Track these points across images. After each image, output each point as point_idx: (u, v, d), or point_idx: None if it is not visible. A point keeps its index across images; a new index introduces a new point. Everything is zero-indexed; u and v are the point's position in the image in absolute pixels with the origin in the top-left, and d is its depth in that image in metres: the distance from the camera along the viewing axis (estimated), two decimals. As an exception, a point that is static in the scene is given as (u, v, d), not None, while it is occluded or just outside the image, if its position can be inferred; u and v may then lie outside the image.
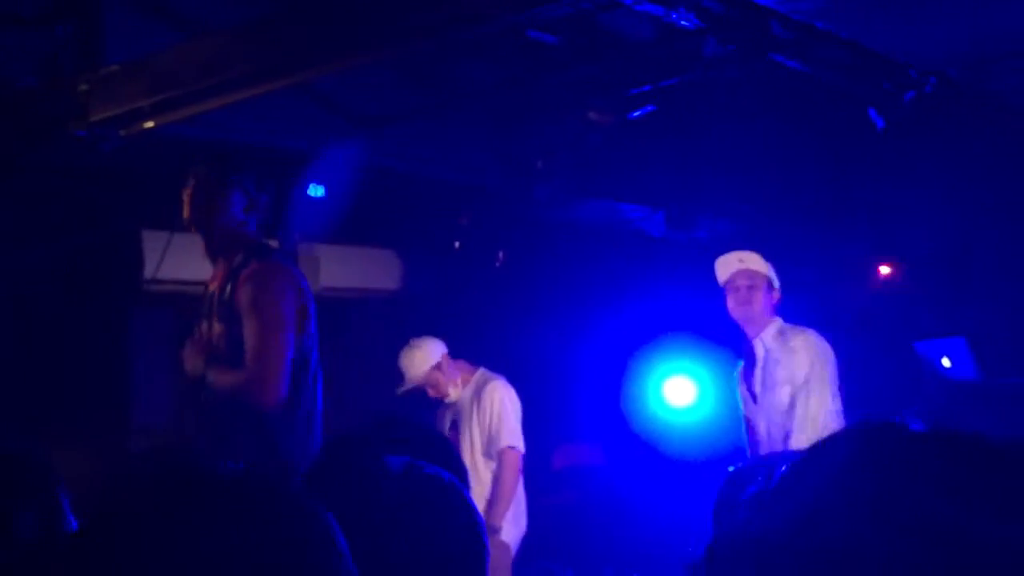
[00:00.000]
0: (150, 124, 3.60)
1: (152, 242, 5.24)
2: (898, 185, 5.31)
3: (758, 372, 4.52)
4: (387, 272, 6.05)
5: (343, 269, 5.79)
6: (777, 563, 0.95)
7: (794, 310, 4.77)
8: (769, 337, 4.52)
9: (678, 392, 6.22)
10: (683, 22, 3.89)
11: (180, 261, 5.40)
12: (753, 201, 5.67)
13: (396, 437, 2.09)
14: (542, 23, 3.94)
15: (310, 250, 5.41)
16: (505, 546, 5.08)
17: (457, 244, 5.90)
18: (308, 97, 4.00)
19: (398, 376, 5.18)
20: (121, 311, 5.29)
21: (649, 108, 4.70)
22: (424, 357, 5.14)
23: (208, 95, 3.42)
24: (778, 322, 4.56)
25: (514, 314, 6.06)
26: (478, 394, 5.15)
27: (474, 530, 1.52)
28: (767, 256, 4.63)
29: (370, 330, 6.04)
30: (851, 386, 4.49)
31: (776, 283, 4.59)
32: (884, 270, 5.78)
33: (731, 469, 2.51)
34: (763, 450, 4.46)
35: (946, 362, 5.26)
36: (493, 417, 5.09)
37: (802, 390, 4.36)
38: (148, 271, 5.24)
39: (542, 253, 6.22)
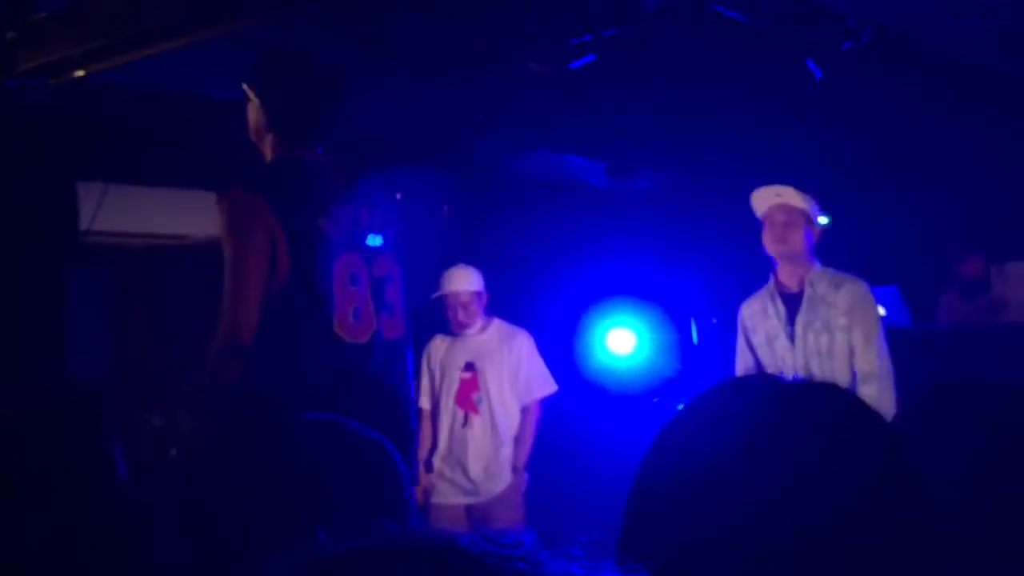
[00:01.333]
0: (80, 73, 3.53)
1: (87, 193, 5.16)
2: (835, 136, 5.36)
3: (802, 313, 4.39)
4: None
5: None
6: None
7: (736, 259, 4.80)
8: (816, 276, 4.40)
9: (620, 342, 6.30)
10: (623, -29, 3.88)
11: (118, 213, 5.34)
12: (694, 151, 5.69)
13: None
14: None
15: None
16: (522, 485, 5.30)
17: (399, 196, 5.87)
18: (243, 46, 3.92)
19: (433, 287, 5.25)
20: (56, 265, 5.20)
21: (590, 58, 4.69)
22: (473, 279, 5.26)
23: (139, 43, 3.36)
24: (817, 264, 4.44)
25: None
26: (508, 342, 5.28)
27: (397, 487, 1.52)
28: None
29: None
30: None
31: (817, 221, 4.45)
32: (822, 220, 5.84)
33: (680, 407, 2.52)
34: None
35: (881, 310, 5.36)
36: (532, 365, 5.30)
37: (865, 342, 4.29)
38: (84, 223, 5.16)
39: (485, 206, 6.21)
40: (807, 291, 4.39)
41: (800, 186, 4.56)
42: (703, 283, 6.12)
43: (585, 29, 4.47)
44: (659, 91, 5.15)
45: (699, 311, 6.22)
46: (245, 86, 3.19)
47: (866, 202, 5.59)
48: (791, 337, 4.41)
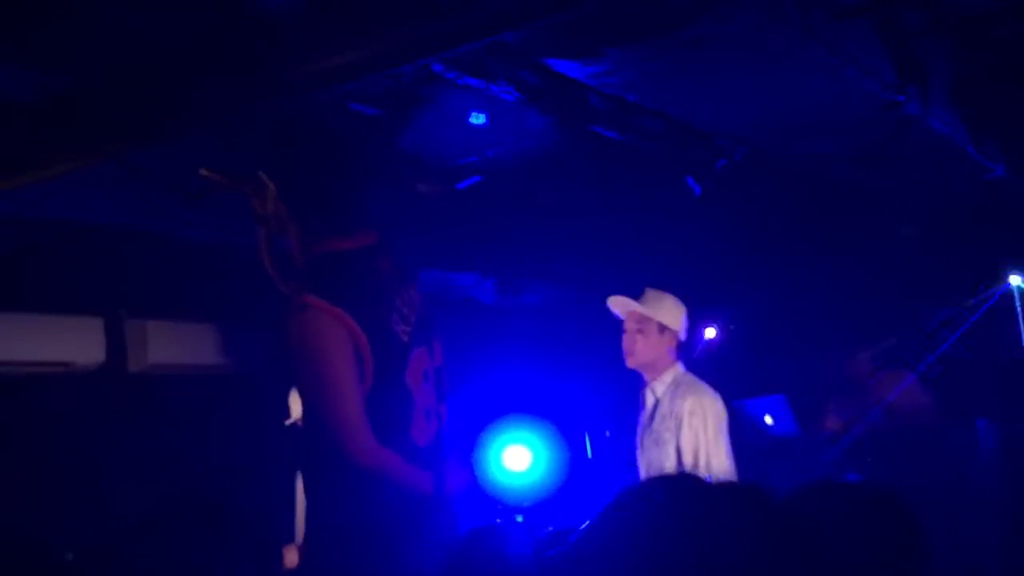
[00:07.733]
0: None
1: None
2: (717, 250, 5.49)
3: (644, 421, 4.24)
4: (213, 347, 5.90)
5: (171, 345, 5.63)
6: None
7: (626, 372, 4.82)
8: (661, 387, 4.23)
9: (515, 459, 6.27)
10: (504, 95, 3.97)
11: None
12: (581, 265, 5.76)
13: None
14: (362, 96, 3.94)
15: (140, 326, 5.24)
16: None
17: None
18: (124, 170, 3.87)
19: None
20: None
21: (476, 178, 4.74)
22: None
23: (13, 171, 3.30)
24: (676, 369, 4.25)
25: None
26: None
27: None
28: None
29: (196, 406, 5.86)
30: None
31: (676, 326, 4.26)
32: (710, 332, 5.96)
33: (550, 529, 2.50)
34: None
35: (768, 419, 5.42)
36: None
37: (700, 458, 4.03)
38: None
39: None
40: (648, 399, 4.26)
41: (686, 299, 4.58)
42: (595, 397, 6.15)
43: (470, 150, 4.53)
44: (545, 208, 5.22)
45: (592, 425, 6.23)
46: (263, 175, 2.91)
47: (749, 315, 5.71)
48: (637, 450, 4.27)
